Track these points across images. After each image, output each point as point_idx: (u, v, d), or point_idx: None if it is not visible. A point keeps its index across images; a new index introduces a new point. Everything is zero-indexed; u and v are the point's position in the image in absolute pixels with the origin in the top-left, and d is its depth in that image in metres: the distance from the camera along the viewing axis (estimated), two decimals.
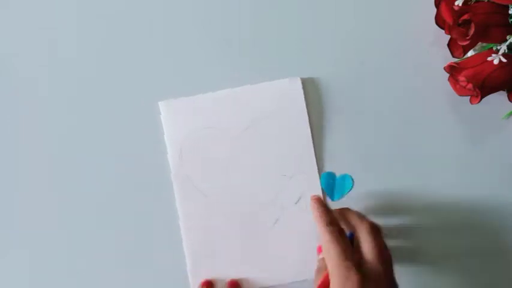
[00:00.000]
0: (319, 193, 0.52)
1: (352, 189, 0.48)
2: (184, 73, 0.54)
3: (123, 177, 0.53)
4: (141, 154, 0.53)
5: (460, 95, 0.51)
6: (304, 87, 0.53)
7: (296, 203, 0.52)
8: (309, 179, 0.53)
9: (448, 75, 0.51)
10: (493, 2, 0.48)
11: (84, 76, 0.54)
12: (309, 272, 0.51)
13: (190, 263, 0.52)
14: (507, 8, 0.48)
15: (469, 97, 0.51)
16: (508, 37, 0.48)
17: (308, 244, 0.52)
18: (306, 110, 0.53)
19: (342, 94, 0.54)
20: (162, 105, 0.53)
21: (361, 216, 0.47)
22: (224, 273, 0.52)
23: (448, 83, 0.52)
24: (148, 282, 0.52)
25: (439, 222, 0.53)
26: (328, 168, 0.53)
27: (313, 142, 0.53)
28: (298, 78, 0.53)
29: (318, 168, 0.53)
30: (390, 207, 0.53)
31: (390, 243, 0.52)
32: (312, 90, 0.54)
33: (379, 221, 0.51)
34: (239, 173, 0.53)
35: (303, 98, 0.53)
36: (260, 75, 0.54)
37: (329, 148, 0.53)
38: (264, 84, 0.53)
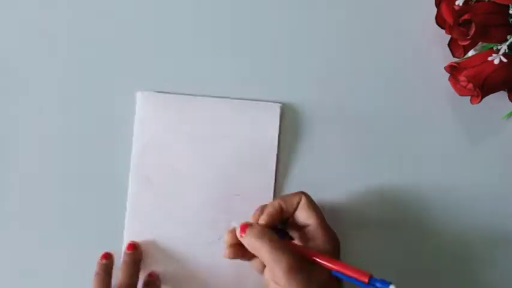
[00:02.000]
0: None
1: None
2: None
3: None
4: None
5: (461, 95, 0.51)
6: (282, 113, 0.53)
7: None
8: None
9: (448, 75, 0.51)
10: (494, 2, 0.48)
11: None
12: None
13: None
14: (507, 7, 0.48)
15: (469, 97, 0.51)
16: (508, 37, 0.48)
17: (244, 268, 0.51)
18: (277, 138, 0.52)
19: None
20: (139, 96, 0.53)
21: (287, 203, 0.47)
22: (162, 269, 0.52)
23: (448, 83, 0.52)
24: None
25: (438, 222, 0.53)
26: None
27: (276, 172, 0.52)
28: (278, 105, 0.53)
29: (273, 198, 0.52)
30: (388, 209, 0.53)
31: (390, 245, 0.52)
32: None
33: (377, 223, 0.51)
34: (195, 181, 0.52)
35: (277, 126, 0.52)
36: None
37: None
38: (244, 102, 0.53)
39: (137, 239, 0.52)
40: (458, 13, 0.48)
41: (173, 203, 0.52)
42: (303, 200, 0.47)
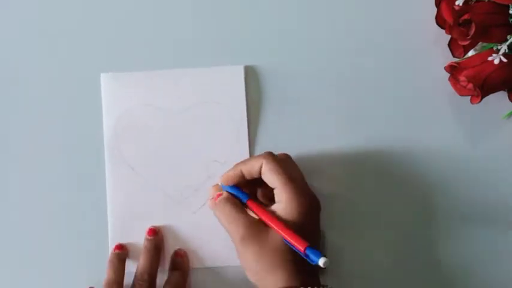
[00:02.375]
0: None
1: None
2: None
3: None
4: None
5: (461, 95, 0.51)
6: (250, 75, 0.54)
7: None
8: None
9: (448, 75, 0.51)
10: (494, 2, 0.48)
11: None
12: (229, 260, 0.51)
13: (112, 232, 0.52)
14: (507, 7, 0.48)
15: (469, 97, 0.51)
16: (508, 37, 0.48)
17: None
18: (245, 99, 0.53)
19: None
20: (104, 77, 0.54)
21: (254, 162, 0.47)
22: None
23: (448, 82, 0.52)
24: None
25: (438, 222, 0.53)
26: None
27: (249, 132, 0.53)
28: (242, 67, 0.54)
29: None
30: (387, 209, 0.53)
31: (390, 249, 0.52)
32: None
33: (377, 224, 0.51)
34: (171, 154, 0.53)
35: (243, 87, 0.53)
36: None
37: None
38: (208, 69, 0.54)
39: (120, 216, 0.52)
40: (458, 13, 0.48)
41: (153, 177, 0.53)
42: (264, 165, 0.47)
